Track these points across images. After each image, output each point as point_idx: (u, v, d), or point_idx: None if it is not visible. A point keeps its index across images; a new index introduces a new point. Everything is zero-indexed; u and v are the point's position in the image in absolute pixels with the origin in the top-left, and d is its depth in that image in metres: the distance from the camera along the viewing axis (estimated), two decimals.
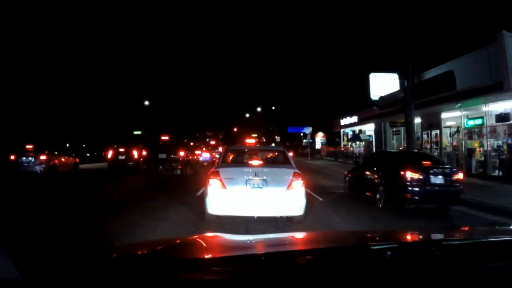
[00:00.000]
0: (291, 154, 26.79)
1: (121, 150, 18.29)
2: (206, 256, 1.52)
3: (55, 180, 14.29)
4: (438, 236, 2.26)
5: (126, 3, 41.72)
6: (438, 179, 7.75)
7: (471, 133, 15.34)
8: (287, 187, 5.99)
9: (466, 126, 15.32)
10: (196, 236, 1.85)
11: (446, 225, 6.84)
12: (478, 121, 14.58)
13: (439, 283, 1.26)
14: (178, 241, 1.81)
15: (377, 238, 2.24)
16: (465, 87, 13.93)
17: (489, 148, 14.11)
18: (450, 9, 14.18)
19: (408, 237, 2.17)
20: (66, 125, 37.08)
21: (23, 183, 13.26)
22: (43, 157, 16.13)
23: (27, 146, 16.59)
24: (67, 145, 32.44)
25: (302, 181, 6.11)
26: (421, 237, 2.17)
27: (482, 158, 14.32)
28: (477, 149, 14.97)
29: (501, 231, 2.48)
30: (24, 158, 16.01)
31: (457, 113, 15.77)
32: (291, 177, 6.05)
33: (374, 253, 1.51)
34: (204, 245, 1.72)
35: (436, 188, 7.68)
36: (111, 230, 5.58)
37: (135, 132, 38.52)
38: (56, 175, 15.79)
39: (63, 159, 17.77)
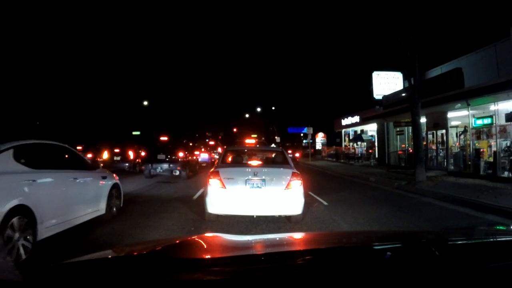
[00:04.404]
0: (297, 154, 29.58)
1: (116, 150, 17.86)
2: (206, 256, 1.52)
3: None
4: (438, 236, 2.23)
5: (126, 3, 41.32)
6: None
7: (479, 133, 14.81)
8: (286, 187, 6.10)
9: (474, 125, 14.79)
10: (196, 236, 1.82)
11: (446, 226, 6.76)
12: (487, 121, 14.05)
13: (439, 283, 1.26)
14: (177, 241, 1.76)
15: (377, 238, 2.25)
16: (474, 84, 13.45)
17: (498, 149, 13.59)
18: (453, 6, 13.73)
19: (408, 237, 2.20)
20: (64, 124, 36.70)
21: None
22: (89, 155, 21.32)
23: (78, 147, 20.80)
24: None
25: (300, 181, 6.21)
26: (421, 237, 2.18)
27: (491, 159, 13.80)
28: (485, 150, 14.45)
29: (501, 232, 2.50)
30: None
31: (464, 112, 15.27)
32: (289, 177, 6.17)
33: (374, 253, 1.54)
34: (204, 245, 1.70)
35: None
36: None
37: (134, 133, 38.15)
38: None
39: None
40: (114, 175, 7.12)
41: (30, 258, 4.09)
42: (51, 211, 4.66)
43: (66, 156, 5.76)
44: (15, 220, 3.97)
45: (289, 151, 28.78)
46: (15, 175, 4.28)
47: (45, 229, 4.48)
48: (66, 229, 5.05)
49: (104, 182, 6.45)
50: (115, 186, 6.79)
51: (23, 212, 4.11)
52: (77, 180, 5.56)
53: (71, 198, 5.29)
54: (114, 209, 6.72)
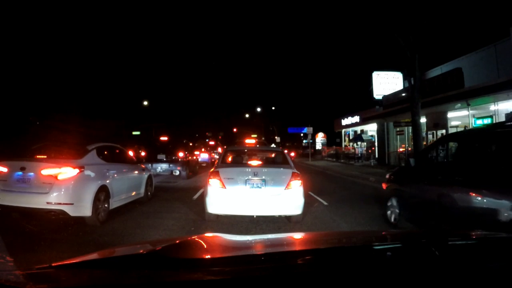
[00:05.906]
0: (292, 154, 28.75)
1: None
2: (206, 256, 1.52)
3: None
4: (438, 236, 2.23)
5: (126, 3, 41.36)
6: None
7: None
8: (286, 187, 6.08)
9: (474, 125, 14.79)
10: (196, 236, 1.83)
11: (446, 226, 6.68)
12: (487, 121, 14.05)
13: (439, 283, 1.25)
14: (177, 241, 1.76)
15: (377, 238, 2.27)
16: (474, 84, 13.45)
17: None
18: (453, 6, 13.75)
19: (409, 237, 2.21)
20: (64, 124, 36.63)
21: None
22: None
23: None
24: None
25: (300, 181, 6.20)
26: (421, 237, 2.19)
27: None
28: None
29: (501, 232, 2.38)
30: None
31: (464, 112, 15.30)
32: (289, 177, 6.16)
33: (374, 253, 1.53)
34: (204, 245, 1.71)
35: None
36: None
37: (134, 133, 38.11)
38: None
39: None
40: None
41: (107, 219, 6.22)
42: (116, 191, 6.77)
43: (121, 154, 8.03)
44: (101, 194, 6.15)
45: (285, 151, 28.03)
46: (99, 165, 6.51)
47: (114, 202, 6.67)
48: (122, 205, 7.14)
49: (143, 174, 8.55)
50: (149, 177, 8.89)
51: (104, 189, 6.31)
52: (129, 171, 7.77)
53: (126, 183, 7.46)
54: (149, 193, 8.85)
